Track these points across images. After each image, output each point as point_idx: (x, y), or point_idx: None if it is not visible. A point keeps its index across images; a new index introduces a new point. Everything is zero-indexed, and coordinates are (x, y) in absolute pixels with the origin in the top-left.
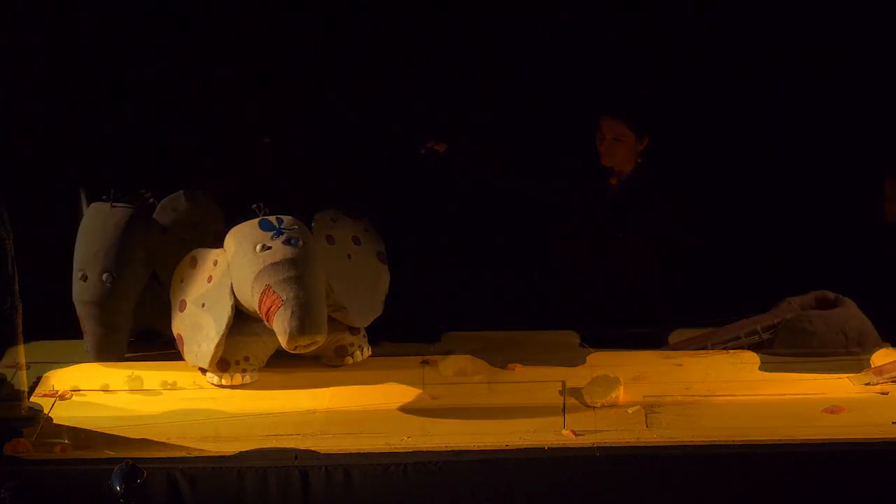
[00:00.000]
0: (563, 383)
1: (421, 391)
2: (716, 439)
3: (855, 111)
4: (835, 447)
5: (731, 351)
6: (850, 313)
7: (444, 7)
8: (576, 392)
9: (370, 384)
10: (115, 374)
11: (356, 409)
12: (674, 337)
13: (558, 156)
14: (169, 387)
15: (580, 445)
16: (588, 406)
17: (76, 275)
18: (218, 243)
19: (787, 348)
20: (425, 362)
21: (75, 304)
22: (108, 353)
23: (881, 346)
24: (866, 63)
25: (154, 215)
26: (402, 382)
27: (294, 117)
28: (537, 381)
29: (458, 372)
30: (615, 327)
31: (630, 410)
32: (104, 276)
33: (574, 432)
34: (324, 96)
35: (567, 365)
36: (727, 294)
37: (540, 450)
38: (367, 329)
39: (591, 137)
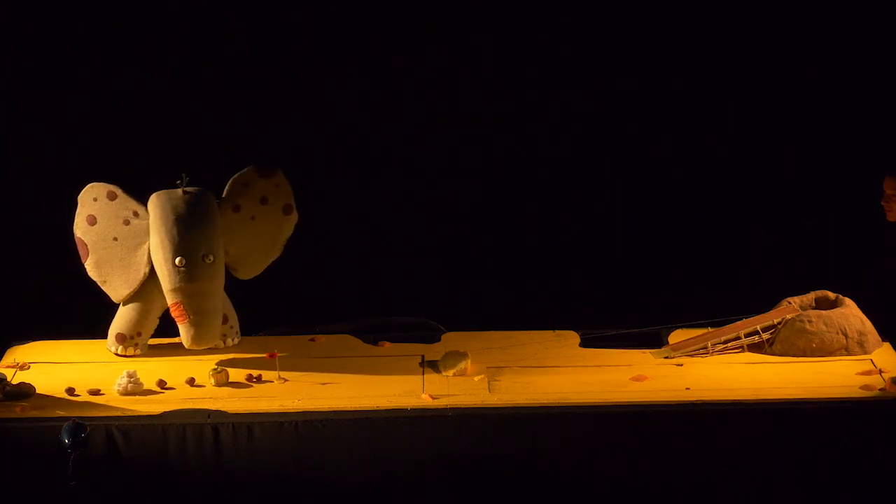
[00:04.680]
0: (423, 357)
1: (420, 391)
2: (542, 402)
3: (855, 111)
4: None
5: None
6: (850, 313)
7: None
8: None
9: (370, 384)
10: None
11: (357, 408)
12: (674, 337)
13: None
14: (255, 380)
15: (436, 407)
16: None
17: (167, 265)
18: (288, 218)
19: (787, 348)
20: (424, 362)
21: (169, 294)
22: (208, 338)
23: (881, 346)
24: (866, 62)
25: (225, 192)
26: (402, 382)
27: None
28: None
29: (458, 372)
30: (615, 327)
31: (476, 378)
32: (204, 258)
33: (431, 396)
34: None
35: (568, 365)
36: (727, 294)
37: (403, 410)
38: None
39: None
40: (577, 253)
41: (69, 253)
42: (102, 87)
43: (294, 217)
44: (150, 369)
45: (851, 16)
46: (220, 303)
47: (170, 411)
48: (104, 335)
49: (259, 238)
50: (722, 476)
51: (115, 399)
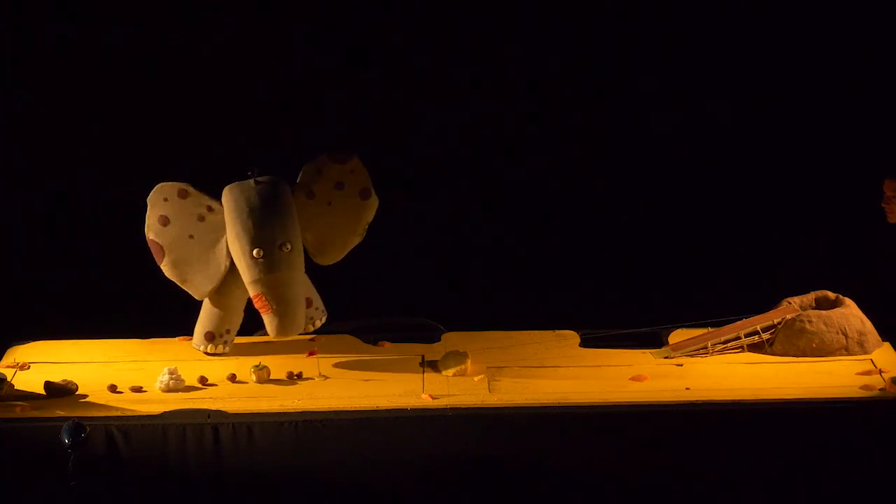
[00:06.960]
0: (423, 357)
1: (420, 391)
2: (542, 402)
3: (855, 111)
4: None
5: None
6: (850, 313)
7: None
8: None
9: (370, 384)
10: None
11: (357, 408)
12: (674, 337)
13: None
14: (295, 377)
15: (436, 407)
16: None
17: (245, 257)
18: (365, 201)
19: (787, 348)
20: (424, 362)
21: (250, 286)
22: (292, 327)
23: (881, 346)
24: (867, 63)
25: (298, 179)
26: (402, 382)
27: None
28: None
29: (458, 372)
30: (615, 327)
31: (476, 378)
32: (281, 247)
33: (431, 396)
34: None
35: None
36: (727, 294)
37: (403, 410)
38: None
39: None
40: (576, 253)
41: (69, 252)
42: (137, 80)
43: (374, 201)
44: (191, 366)
45: (852, 16)
46: (302, 290)
47: (170, 411)
48: (104, 335)
49: (337, 223)
50: (722, 476)
51: (114, 399)
